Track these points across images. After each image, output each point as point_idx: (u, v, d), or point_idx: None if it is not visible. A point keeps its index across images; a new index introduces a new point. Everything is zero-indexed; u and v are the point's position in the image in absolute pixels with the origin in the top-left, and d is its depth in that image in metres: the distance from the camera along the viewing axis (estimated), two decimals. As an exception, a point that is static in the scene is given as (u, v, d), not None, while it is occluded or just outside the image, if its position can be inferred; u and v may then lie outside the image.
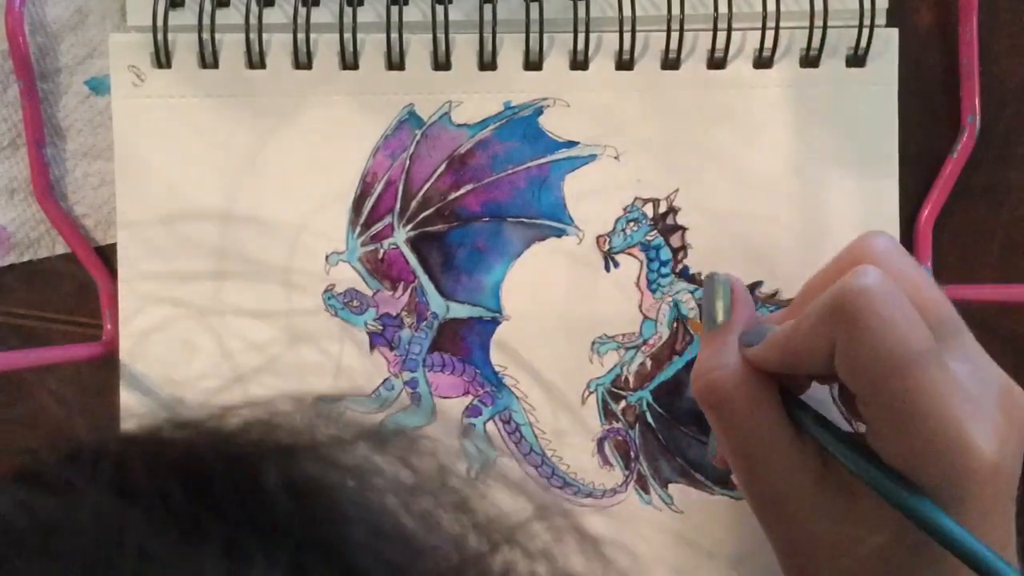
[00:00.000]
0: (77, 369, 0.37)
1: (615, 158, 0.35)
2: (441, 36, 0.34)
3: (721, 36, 0.34)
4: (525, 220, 0.35)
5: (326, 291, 0.35)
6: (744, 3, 0.34)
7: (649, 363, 0.35)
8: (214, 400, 0.34)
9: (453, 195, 0.35)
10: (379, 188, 0.35)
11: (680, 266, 0.35)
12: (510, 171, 0.35)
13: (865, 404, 0.25)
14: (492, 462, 0.35)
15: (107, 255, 0.36)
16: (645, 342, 0.35)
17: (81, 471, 0.15)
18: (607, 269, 0.35)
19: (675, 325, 0.35)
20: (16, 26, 0.35)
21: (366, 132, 0.35)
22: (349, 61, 0.35)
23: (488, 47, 0.34)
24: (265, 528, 0.14)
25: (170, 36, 0.34)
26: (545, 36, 0.34)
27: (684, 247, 0.35)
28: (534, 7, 0.34)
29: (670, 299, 0.35)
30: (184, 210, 0.35)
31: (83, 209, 0.36)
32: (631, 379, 0.35)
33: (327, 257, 0.35)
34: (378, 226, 0.35)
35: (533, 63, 0.35)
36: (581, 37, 0.34)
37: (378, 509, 0.16)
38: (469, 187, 0.35)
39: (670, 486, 0.35)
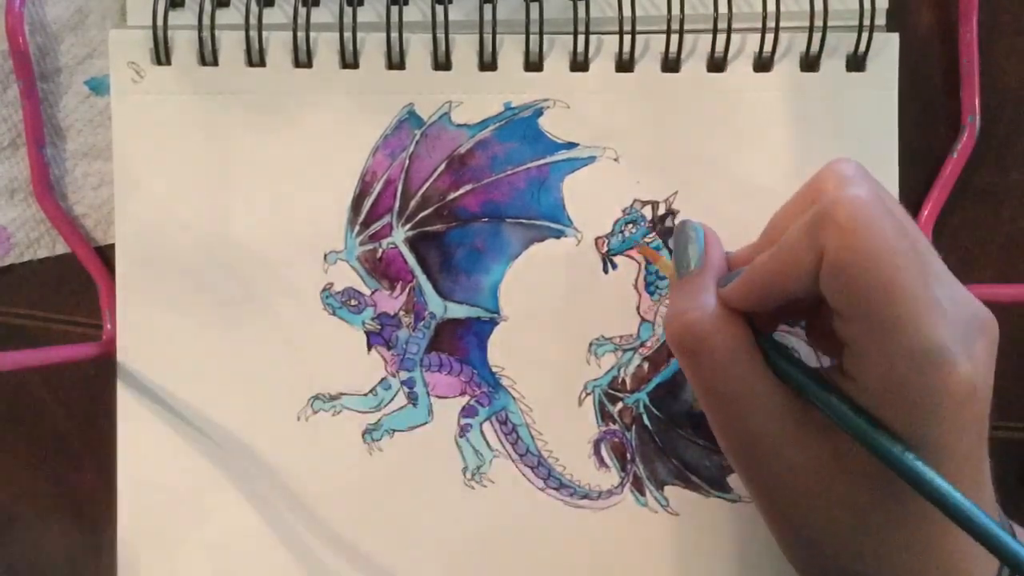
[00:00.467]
0: (77, 369, 0.37)
1: (614, 160, 0.35)
2: (441, 36, 0.34)
3: (721, 38, 0.34)
4: (524, 221, 0.35)
5: (324, 290, 0.35)
6: (744, 3, 0.34)
7: (646, 365, 0.35)
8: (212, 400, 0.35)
9: (452, 195, 0.35)
10: (378, 187, 0.35)
11: (678, 267, 0.35)
12: (509, 172, 0.35)
13: (848, 320, 0.25)
14: (488, 463, 0.35)
15: (107, 255, 0.36)
16: (642, 344, 0.35)
17: None
18: (605, 271, 0.35)
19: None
20: (16, 26, 0.35)
21: (366, 131, 0.35)
22: (349, 60, 0.35)
23: (488, 47, 0.34)
24: None
25: (170, 33, 0.34)
26: (545, 37, 0.34)
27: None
28: (534, 7, 0.34)
29: (668, 301, 0.35)
30: (183, 208, 0.35)
31: (83, 209, 0.36)
32: (628, 381, 0.35)
33: (325, 256, 0.35)
34: (377, 225, 0.35)
35: (533, 64, 0.35)
36: (581, 39, 0.34)
37: None
38: (468, 187, 0.35)
39: (666, 488, 0.35)
